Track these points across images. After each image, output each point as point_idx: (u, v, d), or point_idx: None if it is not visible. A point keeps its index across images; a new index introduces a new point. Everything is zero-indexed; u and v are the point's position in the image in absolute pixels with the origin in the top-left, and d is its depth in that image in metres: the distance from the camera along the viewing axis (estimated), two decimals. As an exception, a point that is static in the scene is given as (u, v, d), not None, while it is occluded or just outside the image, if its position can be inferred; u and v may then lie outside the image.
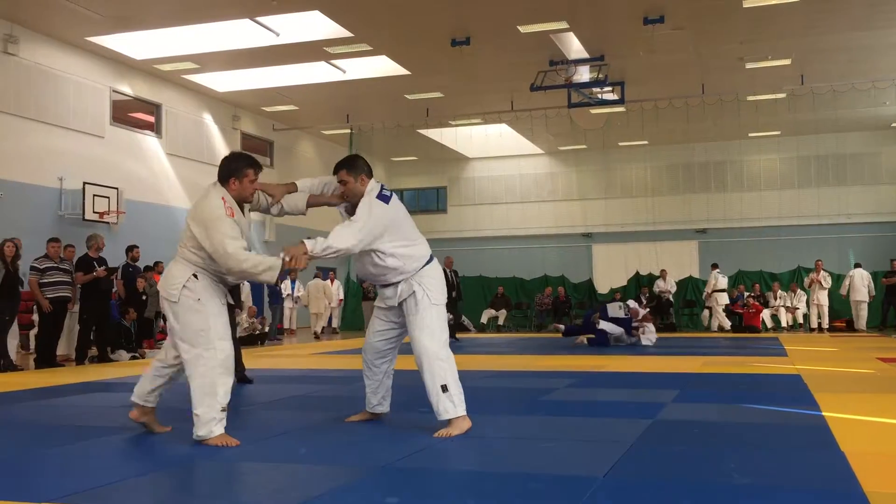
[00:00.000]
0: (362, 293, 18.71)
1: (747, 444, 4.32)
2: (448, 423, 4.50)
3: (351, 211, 4.61)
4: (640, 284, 21.04)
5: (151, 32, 14.91)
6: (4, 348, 9.90)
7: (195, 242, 4.36)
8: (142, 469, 3.81)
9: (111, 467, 3.89)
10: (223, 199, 4.38)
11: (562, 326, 14.99)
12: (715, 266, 19.37)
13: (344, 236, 4.38)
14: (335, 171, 4.67)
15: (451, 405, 4.49)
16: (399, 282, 4.62)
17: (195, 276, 4.36)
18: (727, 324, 18.44)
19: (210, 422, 4.25)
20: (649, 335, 13.12)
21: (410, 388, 5.11)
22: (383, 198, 4.55)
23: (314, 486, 3.49)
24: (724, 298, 18.78)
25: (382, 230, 4.50)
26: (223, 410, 4.30)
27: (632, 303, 13.60)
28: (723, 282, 18.97)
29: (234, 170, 4.50)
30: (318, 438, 4.63)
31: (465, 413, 4.55)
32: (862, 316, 17.82)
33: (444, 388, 4.48)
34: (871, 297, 17.78)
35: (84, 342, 10.93)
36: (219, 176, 4.53)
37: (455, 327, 15.28)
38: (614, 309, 13.16)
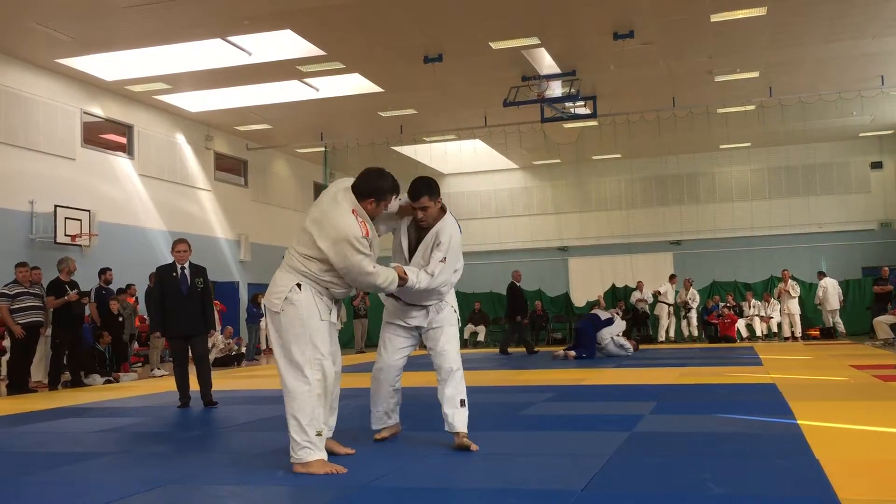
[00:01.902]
0: (353, 311, 18.61)
1: (724, 454, 4.35)
2: (459, 435, 4.61)
3: (416, 234, 4.67)
4: (616, 297, 21.14)
5: (122, 53, 14.83)
6: None
7: (308, 250, 4.12)
8: (116, 495, 3.75)
9: (85, 493, 3.83)
10: (354, 212, 4.13)
11: (571, 353, 13.55)
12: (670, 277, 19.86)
13: (444, 274, 4.56)
14: (415, 197, 4.53)
15: (465, 419, 4.63)
16: (432, 304, 4.72)
17: (298, 286, 4.09)
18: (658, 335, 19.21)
19: (303, 448, 4.01)
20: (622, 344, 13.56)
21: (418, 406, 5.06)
22: (460, 228, 4.72)
23: (291, 508, 3.46)
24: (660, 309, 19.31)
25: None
26: (318, 435, 4.04)
27: (605, 312, 14.06)
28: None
29: (379, 191, 4.26)
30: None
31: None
32: (838, 322, 18.05)
33: (462, 403, 4.63)
34: (841, 305, 18.10)
35: (56, 367, 10.77)
36: (358, 187, 4.24)
37: (510, 341, 15.77)
38: (602, 314, 13.85)
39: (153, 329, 8.38)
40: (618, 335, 13.76)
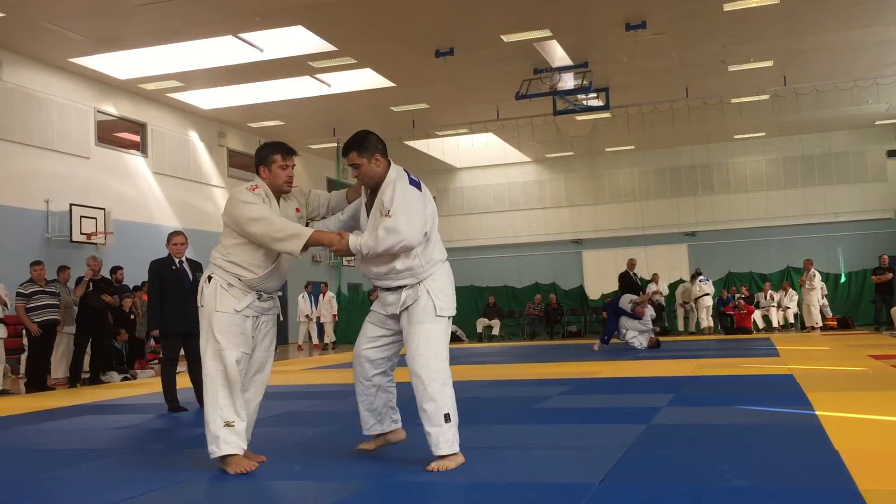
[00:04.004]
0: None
1: (742, 446, 4.32)
2: (443, 458, 3.93)
3: (371, 200, 4.10)
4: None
5: (135, 52, 14.91)
6: None
7: (223, 239, 4.21)
8: (135, 491, 3.77)
9: (104, 490, 3.85)
10: (251, 188, 4.16)
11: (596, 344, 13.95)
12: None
13: (395, 234, 3.85)
14: (344, 154, 4.12)
15: (454, 438, 3.94)
16: (405, 286, 4.02)
17: (209, 278, 4.18)
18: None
19: (215, 439, 4.04)
20: (641, 339, 13.31)
21: (404, 400, 5.03)
22: (414, 184, 4.05)
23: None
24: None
25: (428, 218, 3.99)
26: (228, 425, 4.03)
27: (630, 302, 13.76)
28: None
29: (261, 158, 4.24)
30: (313, 455, 4.60)
31: (457, 446, 3.99)
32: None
33: (448, 418, 3.91)
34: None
35: (77, 364, 10.86)
36: (255, 167, 4.32)
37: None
38: (624, 301, 13.57)
39: (152, 326, 7.75)
40: (640, 331, 13.53)
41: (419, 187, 4.07)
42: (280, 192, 4.26)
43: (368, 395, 4.20)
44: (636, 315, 13.19)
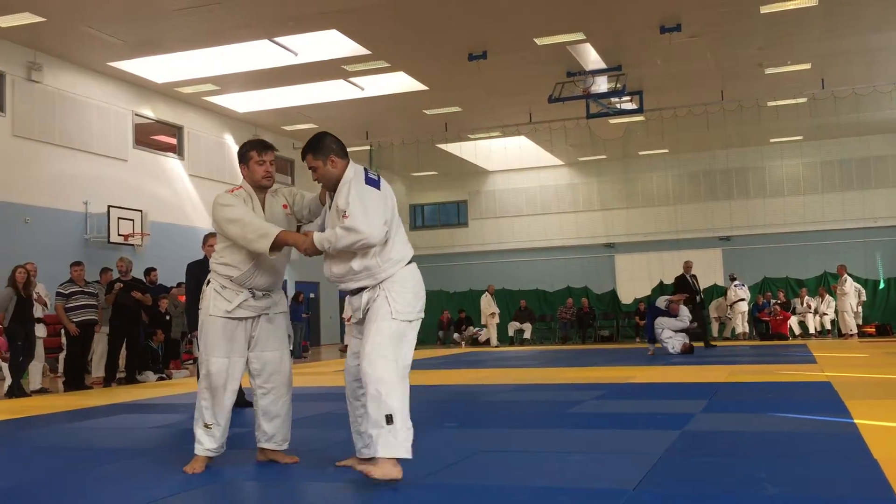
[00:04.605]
0: None
1: (778, 454, 4.26)
2: (378, 461, 3.64)
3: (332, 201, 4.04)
4: (664, 294, 20.90)
5: (172, 56, 15.12)
6: (18, 375, 9.69)
7: (216, 245, 4.34)
8: (170, 490, 3.81)
9: (140, 489, 3.90)
10: (231, 190, 4.31)
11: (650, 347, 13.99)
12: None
13: (353, 233, 3.76)
14: (302, 158, 4.08)
15: (395, 443, 3.63)
16: (365, 288, 3.92)
17: (207, 282, 4.31)
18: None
19: (195, 437, 4.20)
20: (674, 342, 13.18)
21: (435, 403, 5.04)
22: (372, 182, 3.93)
23: (341, 504, 3.48)
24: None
25: (388, 215, 3.88)
26: (207, 427, 4.17)
27: (664, 300, 13.63)
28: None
29: (240, 156, 4.36)
30: (346, 456, 4.60)
31: (406, 454, 3.66)
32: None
33: (389, 420, 3.62)
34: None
35: (112, 364, 11.01)
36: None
37: (702, 334, 15.29)
38: (661, 302, 13.57)
39: (192, 326, 7.78)
40: (675, 331, 13.36)
41: (377, 185, 3.96)
42: (260, 187, 4.31)
43: (357, 416, 4.06)
44: (671, 313, 13.11)
